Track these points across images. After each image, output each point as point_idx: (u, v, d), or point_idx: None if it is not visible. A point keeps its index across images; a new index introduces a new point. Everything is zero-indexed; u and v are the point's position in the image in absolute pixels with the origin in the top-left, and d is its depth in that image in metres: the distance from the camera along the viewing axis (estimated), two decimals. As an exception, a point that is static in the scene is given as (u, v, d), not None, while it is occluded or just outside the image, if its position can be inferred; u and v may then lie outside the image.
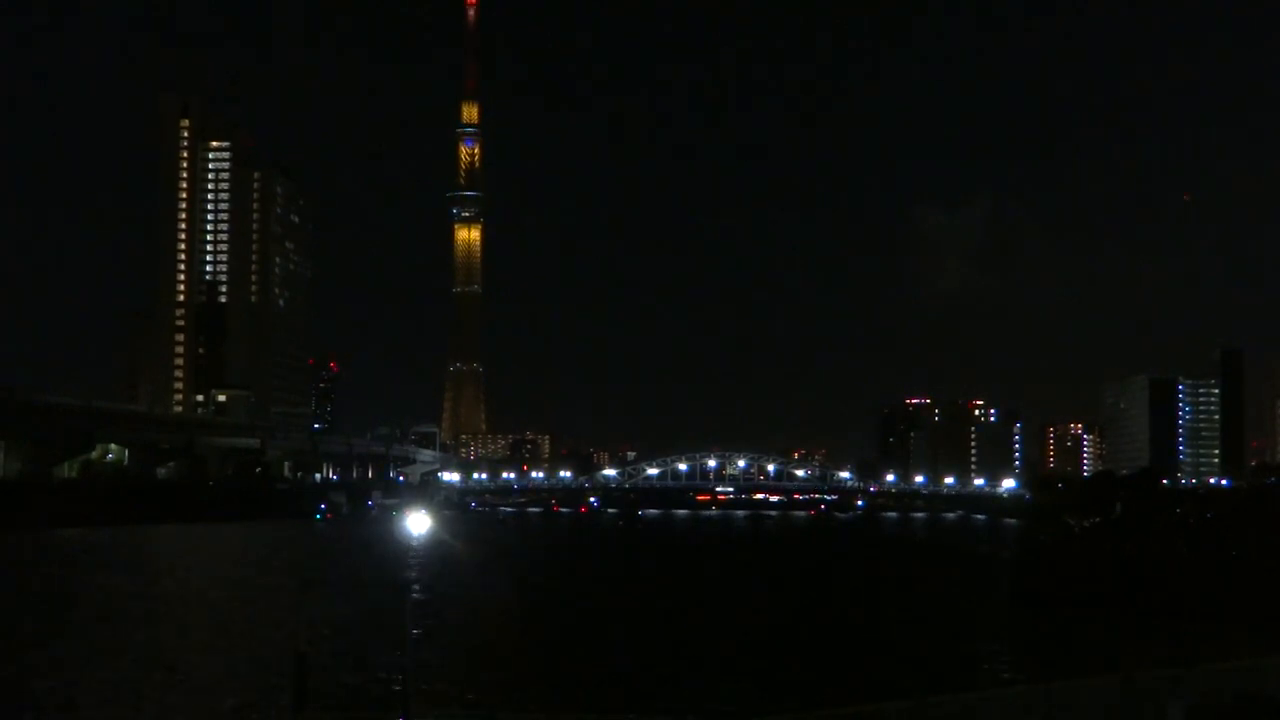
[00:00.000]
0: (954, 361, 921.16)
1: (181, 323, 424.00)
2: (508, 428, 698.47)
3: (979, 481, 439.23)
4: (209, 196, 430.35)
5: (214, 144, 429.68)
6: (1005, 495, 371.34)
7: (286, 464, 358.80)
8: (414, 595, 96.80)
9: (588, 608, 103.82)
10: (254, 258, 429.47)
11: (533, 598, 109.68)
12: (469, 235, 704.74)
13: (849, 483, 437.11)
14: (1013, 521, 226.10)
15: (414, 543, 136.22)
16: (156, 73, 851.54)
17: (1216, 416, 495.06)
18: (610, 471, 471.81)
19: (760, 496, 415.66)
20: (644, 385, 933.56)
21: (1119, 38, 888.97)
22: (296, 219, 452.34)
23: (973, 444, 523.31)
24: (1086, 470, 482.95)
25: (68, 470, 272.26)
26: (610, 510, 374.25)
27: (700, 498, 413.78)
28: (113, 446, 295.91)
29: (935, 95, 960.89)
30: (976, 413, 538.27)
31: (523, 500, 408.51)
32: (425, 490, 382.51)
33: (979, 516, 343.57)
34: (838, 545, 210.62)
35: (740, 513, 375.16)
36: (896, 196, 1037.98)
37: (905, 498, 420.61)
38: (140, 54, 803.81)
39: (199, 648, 77.64)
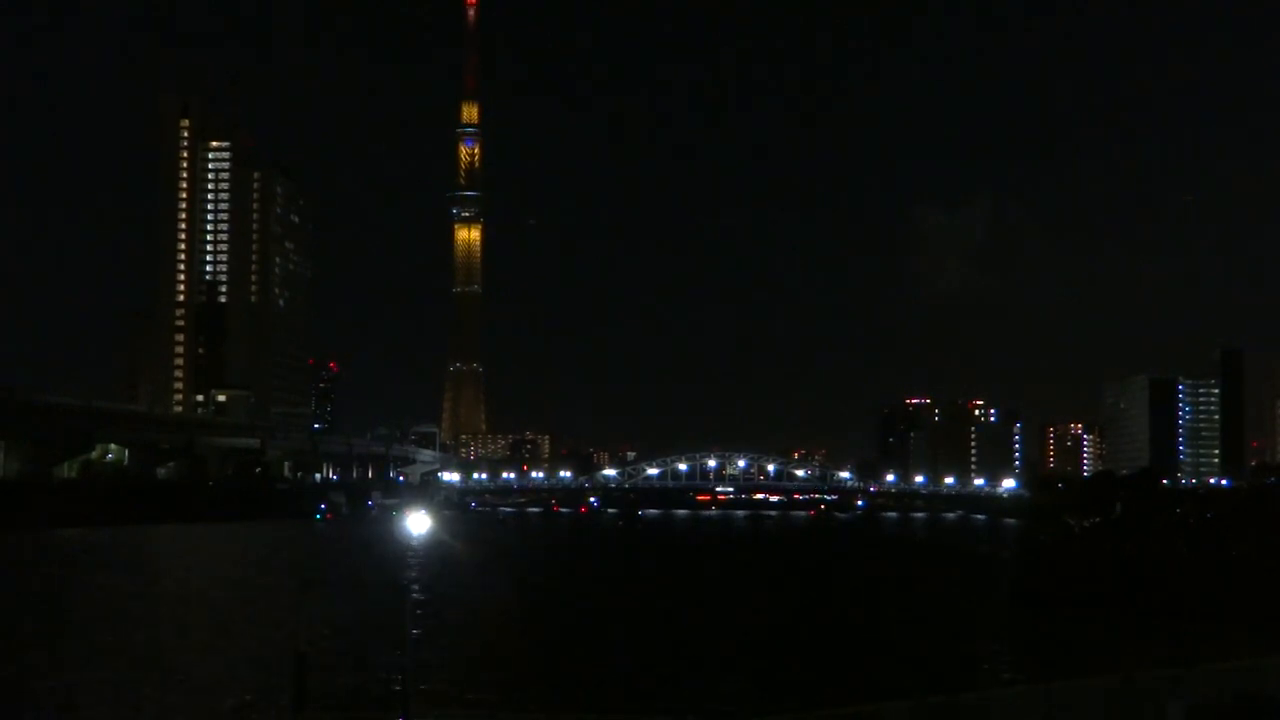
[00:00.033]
0: (954, 361, 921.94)
1: (181, 323, 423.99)
2: (508, 428, 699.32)
3: (979, 481, 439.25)
4: (209, 196, 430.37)
5: (214, 144, 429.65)
6: (1005, 495, 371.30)
7: (286, 464, 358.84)
8: (414, 595, 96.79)
9: (588, 608, 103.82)
10: (254, 258, 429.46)
11: (533, 598, 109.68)
12: (469, 235, 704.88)
13: (849, 483, 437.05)
14: (1013, 521, 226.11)
15: (414, 543, 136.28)
16: (156, 73, 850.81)
17: (1216, 416, 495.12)
18: (610, 471, 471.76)
19: (760, 496, 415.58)
20: (644, 385, 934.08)
21: (1119, 38, 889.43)
22: (296, 219, 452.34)
23: (973, 444, 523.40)
24: (1086, 470, 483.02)
25: (68, 470, 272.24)
26: (610, 510, 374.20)
27: (700, 498, 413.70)
28: (113, 446, 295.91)
29: (935, 95, 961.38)
30: (976, 413, 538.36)
31: (523, 500, 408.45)
32: (425, 490, 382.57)
33: (979, 516, 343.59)
34: (838, 545, 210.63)
35: (740, 513, 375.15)
36: (896, 196, 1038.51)
37: (905, 498, 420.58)
38: (140, 54, 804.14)
39: (199, 648, 77.63)
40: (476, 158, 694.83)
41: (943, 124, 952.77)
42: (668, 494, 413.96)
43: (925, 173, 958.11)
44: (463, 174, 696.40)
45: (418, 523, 52.25)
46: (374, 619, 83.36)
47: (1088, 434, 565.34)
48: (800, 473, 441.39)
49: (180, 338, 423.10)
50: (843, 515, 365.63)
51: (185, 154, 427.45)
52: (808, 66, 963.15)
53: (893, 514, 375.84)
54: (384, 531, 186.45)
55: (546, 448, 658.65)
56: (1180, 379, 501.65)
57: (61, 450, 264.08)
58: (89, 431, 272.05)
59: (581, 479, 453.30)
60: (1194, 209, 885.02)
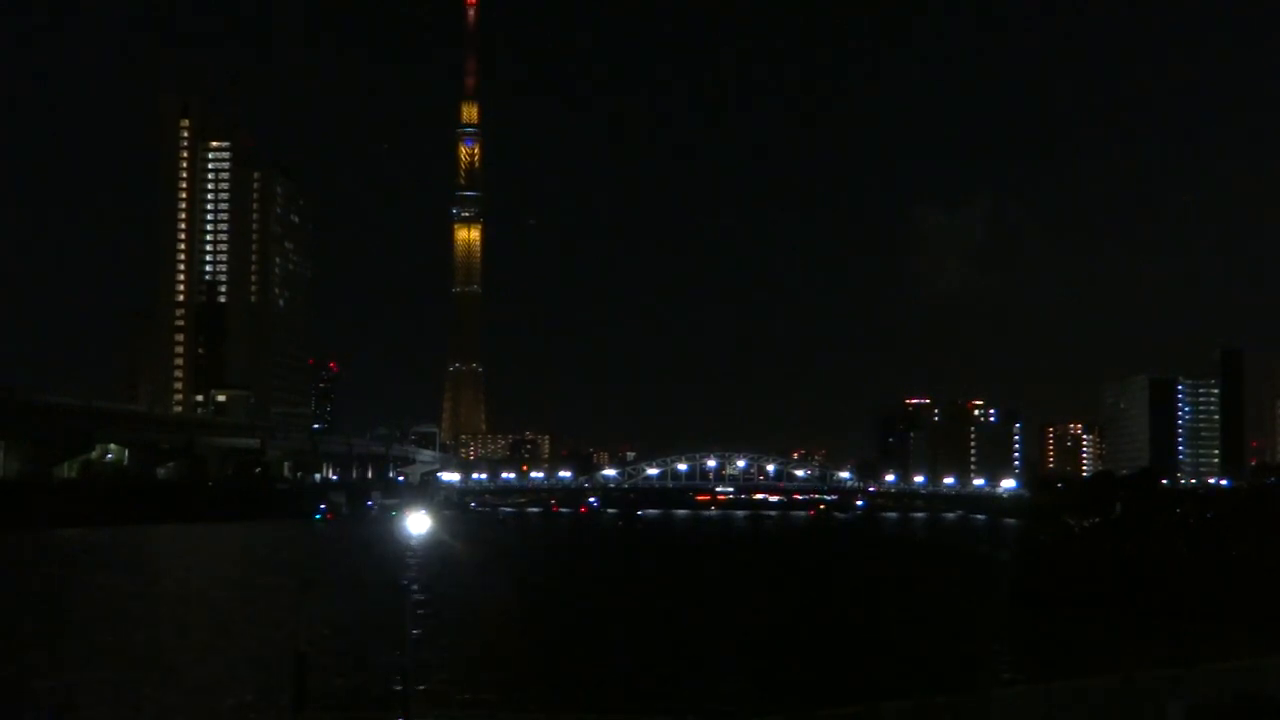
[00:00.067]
0: (954, 361, 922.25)
1: (181, 323, 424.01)
2: (508, 428, 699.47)
3: (979, 481, 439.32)
4: (209, 196, 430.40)
5: (214, 144, 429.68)
6: (1005, 495, 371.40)
7: (286, 464, 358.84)
8: (414, 595, 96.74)
9: (588, 608, 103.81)
10: (254, 258, 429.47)
11: (533, 598, 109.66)
12: (469, 235, 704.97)
13: (849, 483, 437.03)
14: (1013, 521, 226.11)
15: (414, 543, 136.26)
16: (156, 73, 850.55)
17: (1216, 416, 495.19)
18: (610, 471, 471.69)
19: (760, 496, 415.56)
20: (644, 385, 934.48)
21: (1119, 38, 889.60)
22: (296, 219, 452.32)
23: (972, 444, 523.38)
24: (1086, 470, 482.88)
25: (68, 470, 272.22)
26: (610, 510, 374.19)
27: (700, 498, 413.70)
28: (113, 446, 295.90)
29: (935, 95, 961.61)
30: (976, 413, 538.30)
31: (522, 500, 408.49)
32: (425, 490, 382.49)
33: (979, 516, 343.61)
34: (837, 545, 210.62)
35: (740, 513, 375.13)
36: (896, 196, 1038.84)
37: (905, 498, 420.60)
38: (140, 54, 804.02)
39: (199, 648, 77.64)
40: (476, 158, 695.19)
41: (943, 124, 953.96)
42: (668, 494, 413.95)
43: (925, 173, 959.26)
44: (463, 174, 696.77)
45: (418, 523, 52.26)
46: (374, 619, 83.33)
47: (1088, 434, 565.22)
48: (800, 473, 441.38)
49: (180, 338, 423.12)
50: (842, 515, 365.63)
51: (185, 154, 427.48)
52: (808, 66, 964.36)
53: (892, 514, 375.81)
54: (384, 531, 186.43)
55: (546, 448, 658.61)
56: (1180, 379, 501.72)
57: (61, 450, 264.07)
58: (89, 431, 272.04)
59: (581, 479, 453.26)
60: (1194, 209, 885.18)
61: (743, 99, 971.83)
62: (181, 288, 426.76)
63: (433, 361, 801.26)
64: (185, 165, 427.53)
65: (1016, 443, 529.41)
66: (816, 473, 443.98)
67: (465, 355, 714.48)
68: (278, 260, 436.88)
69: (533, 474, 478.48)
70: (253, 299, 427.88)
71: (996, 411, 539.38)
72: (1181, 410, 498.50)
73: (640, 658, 73.66)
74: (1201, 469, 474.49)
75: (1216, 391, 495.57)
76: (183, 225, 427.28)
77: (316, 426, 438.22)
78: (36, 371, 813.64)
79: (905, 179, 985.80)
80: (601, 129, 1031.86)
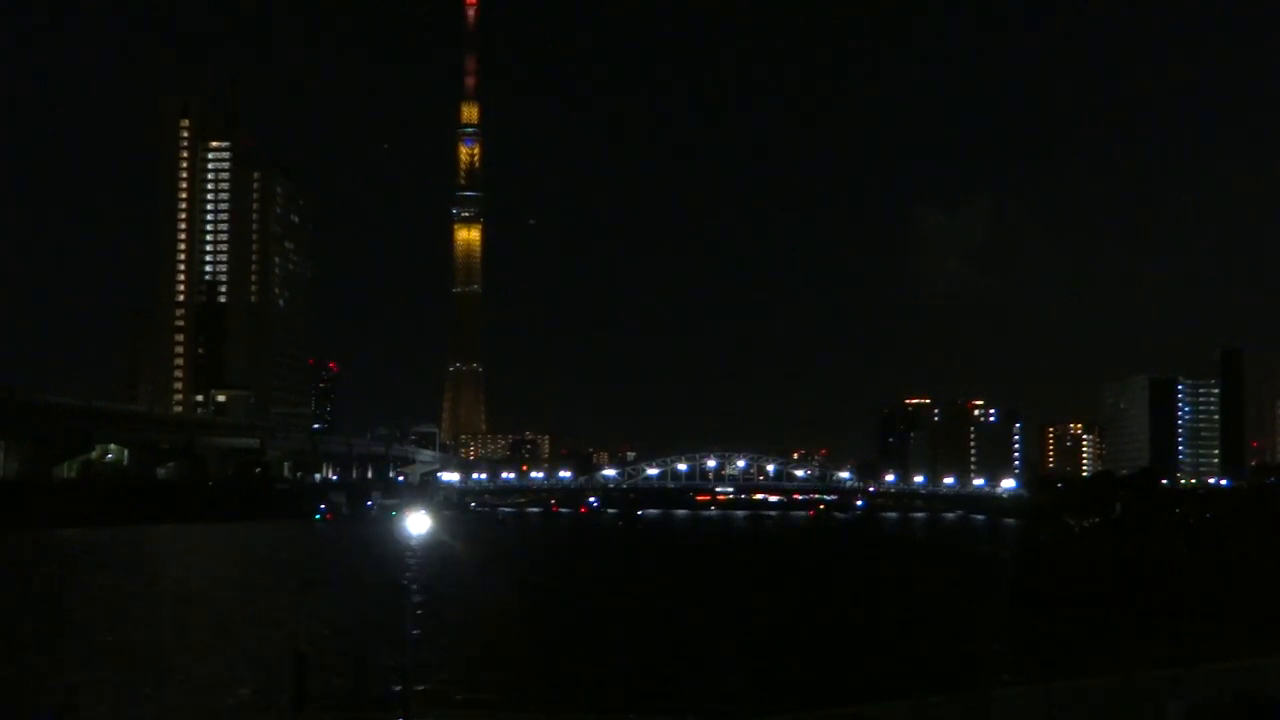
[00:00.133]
0: (954, 361, 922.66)
1: (181, 323, 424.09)
2: (508, 428, 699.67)
3: (979, 481, 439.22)
4: (209, 196, 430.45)
5: (214, 144, 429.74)
6: (1005, 495, 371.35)
7: (286, 464, 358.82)
8: (413, 595, 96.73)
9: (588, 608, 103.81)
10: (254, 258, 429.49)
11: (533, 598, 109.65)
12: (469, 235, 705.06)
13: (849, 483, 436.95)
14: (1012, 521, 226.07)
15: (414, 543, 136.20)
16: (156, 73, 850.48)
17: (1216, 416, 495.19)
18: (610, 471, 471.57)
19: (760, 497, 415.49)
20: (644, 385, 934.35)
21: (1119, 38, 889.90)
22: (296, 219, 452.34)
23: (972, 444, 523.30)
24: (1086, 470, 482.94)
25: (68, 470, 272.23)
26: (610, 510, 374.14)
27: (700, 498, 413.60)
28: (113, 446, 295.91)
29: (935, 95, 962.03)
30: (976, 413, 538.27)
31: (522, 500, 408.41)
32: (425, 490, 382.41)
33: (979, 516, 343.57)
34: (837, 545, 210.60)
35: (740, 513, 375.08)
36: (896, 196, 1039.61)
37: (905, 498, 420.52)
38: (140, 54, 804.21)
39: (199, 648, 77.62)
40: (476, 158, 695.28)
41: (943, 124, 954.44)
42: (667, 494, 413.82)
43: (925, 173, 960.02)
44: (463, 174, 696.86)
45: (418, 523, 52.20)
46: (374, 619, 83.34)
47: (1088, 434, 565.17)
48: (800, 473, 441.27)
49: (180, 338, 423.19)
50: (842, 515, 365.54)
51: (185, 154, 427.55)
52: (808, 66, 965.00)
53: (892, 514, 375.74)
54: (384, 531, 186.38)
55: (546, 448, 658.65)
56: (1180, 379, 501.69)
57: (61, 450, 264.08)
58: (89, 431, 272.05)
59: (581, 479, 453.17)
60: (1194, 209, 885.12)
61: (743, 99, 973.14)
62: (181, 288, 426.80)
63: (433, 361, 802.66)
64: (185, 165, 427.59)
65: (1016, 443, 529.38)
66: (816, 473, 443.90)
67: (465, 355, 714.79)
68: (278, 260, 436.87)
69: (533, 474, 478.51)
70: (253, 299, 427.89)
71: (996, 411, 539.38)
72: (1181, 410, 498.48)
73: (640, 658, 73.64)
74: (1201, 469, 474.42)
75: (1216, 391, 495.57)
76: (183, 225, 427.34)
77: (316, 426, 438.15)
78: (36, 371, 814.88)
79: (905, 179, 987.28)
80: (601, 129, 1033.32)
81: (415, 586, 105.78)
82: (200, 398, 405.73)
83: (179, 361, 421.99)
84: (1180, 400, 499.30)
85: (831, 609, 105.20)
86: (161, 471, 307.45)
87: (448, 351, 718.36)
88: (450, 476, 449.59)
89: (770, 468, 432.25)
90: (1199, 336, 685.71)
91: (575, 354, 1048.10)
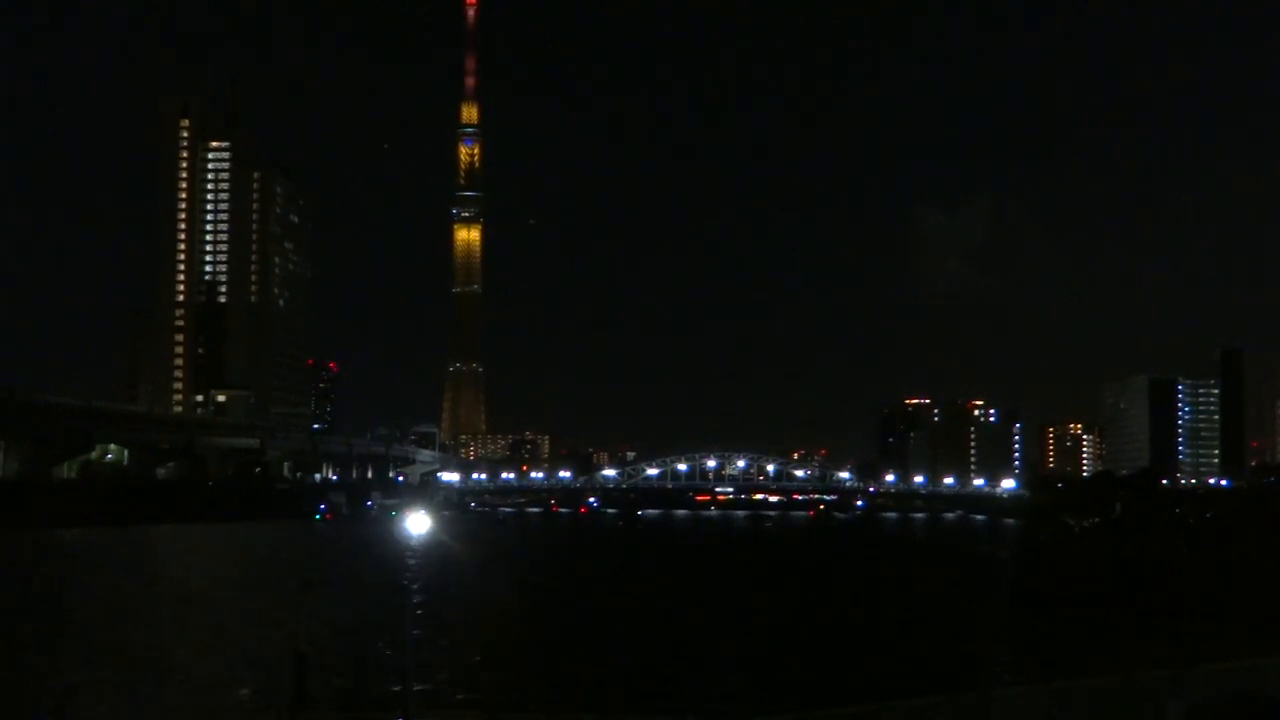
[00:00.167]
0: (954, 361, 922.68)
1: (181, 323, 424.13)
2: (508, 428, 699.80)
3: (979, 482, 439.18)
4: (209, 196, 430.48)
5: (214, 144, 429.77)
6: (1005, 495, 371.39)
7: (286, 464, 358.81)
8: (413, 595, 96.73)
9: (588, 608, 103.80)
10: (254, 258, 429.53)
11: (533, 598, 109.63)
12: (469, 235, 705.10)
13: (849, 483, 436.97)
14: (1012, 521, 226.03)
15: (414, 543, 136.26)
16: (156, 73, 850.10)
17: (1216, 416, 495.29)
18: (610, 471, 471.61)
19: (760, 497, 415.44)
20: (644, 385, 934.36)
21: (1119, 38, 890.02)
22: (296, 219, 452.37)
23: (972, 444, 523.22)
24: (1086, 470, 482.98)
25: (68, 470, 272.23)
26: (610, 510, 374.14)
27: (700, 498, 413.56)
28: (113, 446, 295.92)
29: (935, 95, 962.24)
30: (976, 413, 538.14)
31: (522, 500, 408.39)
32: (425, 490, 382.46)
33: (979, 517, 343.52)
34: (838, 545, 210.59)
35: (740, 513, 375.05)
36: (896, 196, 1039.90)
37: (905, 498, 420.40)
38: (140, 54, 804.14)
39: (199, 648, 77.61)
40: (476, 158, 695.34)
41: (943, 124, 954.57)
42: (667, 494, 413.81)
43: (925, 173, 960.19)
44: (463, 174, 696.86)
45: (417, 523, 52.28)
46: (374, 619, 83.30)
47: (1088, 434, 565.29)
48: (800, 473, 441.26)
49: (180, 338, 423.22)
50: (842, 515, 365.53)
51: (185, 154, 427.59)
52: (808, 66, 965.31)
53: (892, 514, 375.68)
54: (384, 531, 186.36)
55: (546, 448, 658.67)
56: (1180, 379, 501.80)
57: (61, 450, 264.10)
58: (89, 431, 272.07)
59: (581, 479, 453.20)
60: (1194, 209, 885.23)
61: (743, 99, 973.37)
62: (181, 288, 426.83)
63: (433, 361, 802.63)
64: (185, 165, 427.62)
65: (1016, 443, 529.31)
66: (816, 473, 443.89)
67: (465, 355, 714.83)
68: (278, 260, 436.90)
69: (533, 474, 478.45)
70: (253, 299, 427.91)
71: (996, 411, 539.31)
72: (1181, 410, 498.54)
73: (640, 658, 73.65)
74: (1201, 469, 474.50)
75: (1216, 391, 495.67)
76: (183, 225, 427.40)
77: (316, 426, 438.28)
78: (36, 371, 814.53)
79: (905, 179, 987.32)
80: (601, 129, 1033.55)
81: (415, 586, 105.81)
82: (200, 398, 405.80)
83: (179, 361, 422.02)
84: (1180, 400, 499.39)
85: (831, 609, 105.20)
86: (161, 471, 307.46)
87: (448, 351, 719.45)
88: (450, 476, 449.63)
89: (770, 468, 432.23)
90: (1199, 336, 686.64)
91: (575, 354, 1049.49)
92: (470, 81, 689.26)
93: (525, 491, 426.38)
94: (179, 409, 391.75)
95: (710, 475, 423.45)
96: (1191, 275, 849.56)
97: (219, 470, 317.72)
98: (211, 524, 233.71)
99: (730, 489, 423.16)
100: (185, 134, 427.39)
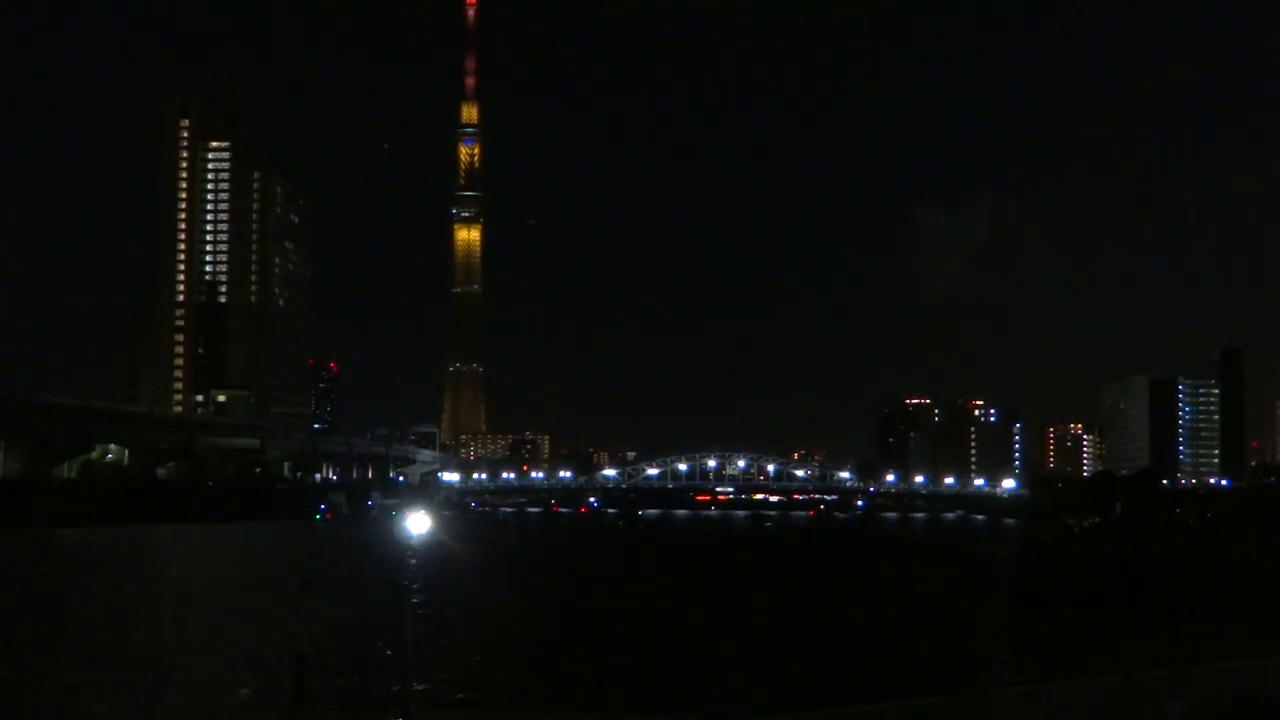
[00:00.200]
0: (954, 361, 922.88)
1: (181, 323, 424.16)
2: (508, 428, 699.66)
3: (979, 481, 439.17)
4: (209, 196, 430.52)
5: (214, 144, 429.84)
6: (1005, 495, 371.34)
7: (286, 464, 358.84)
8: (413, 595, 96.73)
9: (588, 608, 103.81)
10: (254, 258, 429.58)
11: (533, 598, 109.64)
12: (469, 235, 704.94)
13: (849, 483, 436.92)
14: (1012, 521, 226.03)
15: (414, 543, 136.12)
16: (156, 73, 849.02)
17: (1216, 416, 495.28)
18: (610, 471, 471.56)
19: (760, 497, 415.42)
20: (644, 385, 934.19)
21: (1119, 38, 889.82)
22: (296, 219, 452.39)
23: (973, 444, 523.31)
24: (1086, 470, 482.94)
25: (68, 470, 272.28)
26: (610, 510, 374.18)
27: (700, 498, 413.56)
28: (113, 446, 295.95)
29: (935, 95, 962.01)
30: (976, 413, 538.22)
31: (523, 500, 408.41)
32: (425, 490, 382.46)
33: (979, 516, 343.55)
34: (838, 545, 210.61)
35: (740, 513, 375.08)
36: (896, 196, 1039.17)
37: (905, 498, 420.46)
38: (140, 54, 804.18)
39: (199, 648, 77.65)
40: (476, 158, 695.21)
41: (943, 124, 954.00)
42: (668, 494, 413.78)
43: (925, 173, 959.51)
44: (463, 174, 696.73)
45: (418, 523, 52.20)
46: (374, 619, 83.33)
47: (1088, 434, 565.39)
48: (800, 473, 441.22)
49: (180, 338, 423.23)
50: (842, 515, 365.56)
51: (185, 154, 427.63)
52: (808, 66, 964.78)
53: (893, 514, 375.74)
54: (384, 531, 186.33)
55: (546, 448, 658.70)
56: (1180, 379, 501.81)
57: (61, 450, 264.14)
58: (89, 431, 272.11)
59: (581, 479, 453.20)
60: (1194, 209, 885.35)
61: (743, 99, 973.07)
62: (181, 288, 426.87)
63: (433, 361, 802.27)
64: (185, 165, 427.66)
65: (1016, 443, 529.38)
66: (816, 473, 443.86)
67: (465, 355, 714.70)
68: (278, 260, 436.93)
69: (533, 474, 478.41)
70: (253, 299, 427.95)
71: (996, 411, 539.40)
72: (1181, 410, 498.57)
73: (640, 658, 73.65)
74: (1201, 469, 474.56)
75: (1216, 391, 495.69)
76: (183, 225, 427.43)
77: (316, 426, 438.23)
78: (36, 371, 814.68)
79: (905, 179, 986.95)
80: (601, 129, 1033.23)
81: (415, 586, 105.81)
82: (200, 398, 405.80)
83: (179, 361, 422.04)
84: (1180, 400, 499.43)
85: (831, 609, 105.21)
86: (161, 471, 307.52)
87: (448, 351, 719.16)
88: (450, 476, 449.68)
89: (770, 468, 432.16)
90: (1199, 336, 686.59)
91: (575, 354, 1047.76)
92: (470, 81, 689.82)
93: (525, 491, 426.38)
94: (179, 409, 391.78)
95: (710, 475, 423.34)
96: (1191, 275, 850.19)
97: (219, 470, 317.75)
98: (211, 524, 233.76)
99: (730, 489, 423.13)
100: (185, 134, 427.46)
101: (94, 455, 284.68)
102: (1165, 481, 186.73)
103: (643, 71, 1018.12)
